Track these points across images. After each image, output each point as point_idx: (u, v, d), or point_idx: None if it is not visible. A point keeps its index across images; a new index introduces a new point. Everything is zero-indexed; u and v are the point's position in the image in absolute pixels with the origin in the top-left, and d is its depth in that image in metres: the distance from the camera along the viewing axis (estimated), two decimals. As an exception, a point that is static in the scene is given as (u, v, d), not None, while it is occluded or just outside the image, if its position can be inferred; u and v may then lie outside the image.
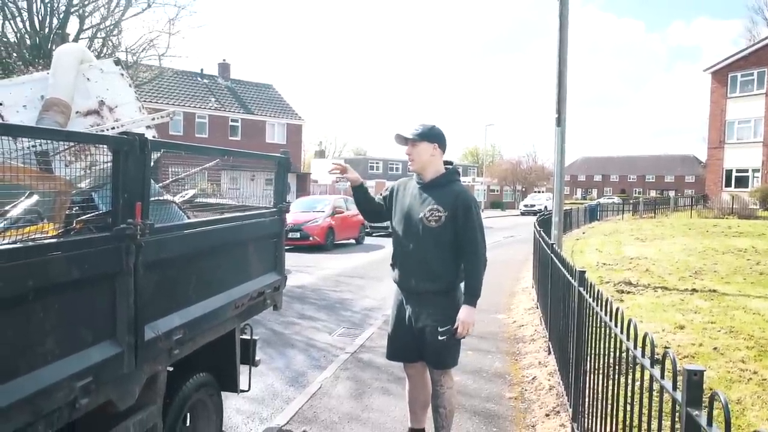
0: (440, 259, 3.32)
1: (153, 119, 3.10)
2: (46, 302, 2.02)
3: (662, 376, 1.89)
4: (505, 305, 8.66)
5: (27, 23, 14.47)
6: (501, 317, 7.80)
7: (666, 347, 5.40)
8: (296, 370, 5.61)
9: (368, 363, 5.62)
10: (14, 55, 14.57)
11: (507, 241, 20.22)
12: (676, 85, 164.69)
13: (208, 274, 3.17)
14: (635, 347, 2.24)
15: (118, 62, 3.27)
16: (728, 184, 32.87)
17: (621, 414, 2.59)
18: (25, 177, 2.23)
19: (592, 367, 3.25)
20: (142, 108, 3.31)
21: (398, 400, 4.55)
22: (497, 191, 59.02)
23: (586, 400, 3.43)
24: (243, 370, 3.95)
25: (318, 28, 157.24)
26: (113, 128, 2.79)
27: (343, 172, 3.62)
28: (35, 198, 2.26)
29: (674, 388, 1.76)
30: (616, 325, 2.60)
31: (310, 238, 15.99)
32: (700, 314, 6.83)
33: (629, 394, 2.40)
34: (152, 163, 3.34)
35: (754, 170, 32.04)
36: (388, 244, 3.73)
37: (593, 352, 3.20)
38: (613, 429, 2.72)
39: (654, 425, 2.61)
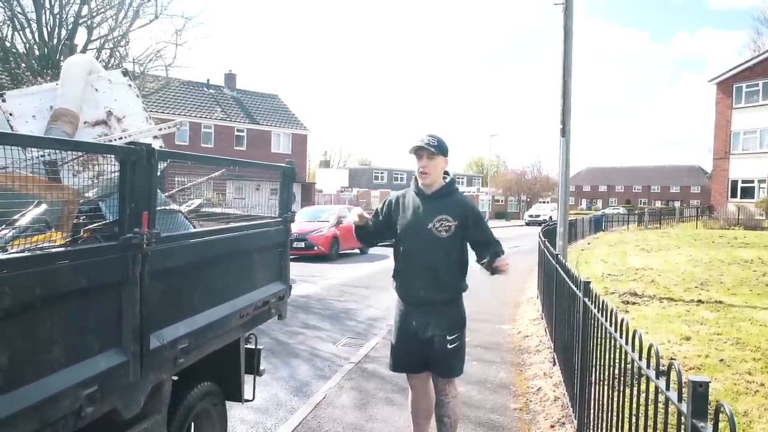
0: (449, 269, 3.36)
1: (160, 129, 3.13)
2: (53, 310, 2.04)
3: (667, 388, 1.88)
4: (509, 316, 8.63)
5: (36, 34, 14.60)
6: (506, 328, 7.78)
7: (672, 359, 5.38)
8: (300, 379, 5.60)
9: (372, 373, 5.61)
10: (23, 65, 14.70)
11: (512, 252, 20.14)
12: (680, 96, 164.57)
13: (213, 283, 3.18)
14: (640, 358, 2.23)
15: (126, 73, 3.31)
16: (734, 195, 32.76)
17: (626, 426, 2.58)
18: (34, 186, 2.25)
19: (598, 378, 3.24)
20: (150, 118, 3.34)
21: (402, 410, 4.53)
22: (502, 202, 58.97)
23: (592, 411, 3.42)
24: (247, 380, 3.96)
25: (324, 39, 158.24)
26: (121, 138, 2.82)
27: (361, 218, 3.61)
28: (43, 207, 2.29)
29: (680, 399, 1.76)
30: (621, 336, 2.59)
31: (315, 248, 16.00)
32: (706, 325, 6.79)
33: (635, 405, 2.39)
34: (159, 173, 3.38)
35: (760, 181, 31.93)
36: (392, 254, 3.72)
37: (598, 363, 3.19)
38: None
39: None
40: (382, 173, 62.95)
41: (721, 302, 8.28)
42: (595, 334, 3.28)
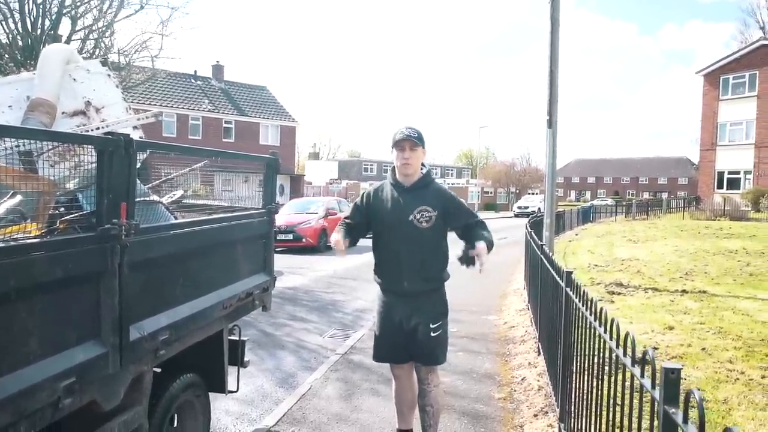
0: (432, 259, 3.38)
1: (138, 119, 3.10)
2: (29, 302, 2.02)
3: (642, 375, 1.90)
4: (496, 307, 8.68)
5: (19, 24, 14.40)
6: (492, 318, 7.82)
7: (654, 348, 5.44)
8: (286, 371, 5.61)
9: (358, 364, 5.62)
10: (6, 56, 14.50)
11: (500, 243, 20.16)
12: (669, 88, 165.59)
13: (195, 274, 3.17)
14: (617, 346, 2.25)
15: (104, 63, 3.27)
16: (720, 186, 33.07)
17: (605, 413, 2.61)
18: (8, 177, 2.23)
19: (579, 367, 3.26)
20: (129, 109, 3.30)
21: (387, 401, 4.54)
22: (491, 193, 59.12)
23: (573, 400, 3.45)
24: (232, 371, 3.96)
25: (312, 31, 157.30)
26: (98, 128, 2.79)
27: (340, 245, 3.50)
28: (18, 198, 2.26)
29: (653, 386, 1.77)
30: (600, 325, 2.61)
31: (303, 240, 15.98)
32: (689, 315, 6.87)
33: (614, 394, 2.41)
34: (139, 164, 3.35)
35: (746, 172, 32.25)
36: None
37: (580, 352, 3.22)
38: (598, 429, 2.74)
39: (641, 425, 2.63)
40: (371, 165, 62.90)
41: (704, 292, 8.38)
42: (577, 323, 3.31)
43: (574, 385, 3.42)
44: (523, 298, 8.63)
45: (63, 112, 2.99)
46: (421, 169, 3.51)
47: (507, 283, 10.94)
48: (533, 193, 55.37)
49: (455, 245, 3.43)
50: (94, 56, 15.03)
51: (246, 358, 4.23)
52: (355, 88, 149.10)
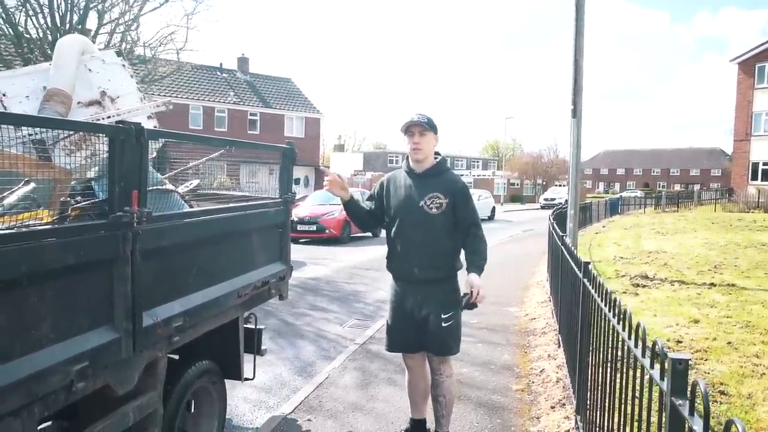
0: (442, 245, 3.35)
1: (149, 108, 3.13)
2: (41, 287, 2.06)
3: (652, 366, 1.86)
4: (518, 298, 8.60)
5: (48, 19, 14.68)
6: (513, 310, 7.76)
7: (678, 341, 5.33)
8: (305, 360, 5.65)
9: (376, 354, 5.63)
10: (36, 51, 14.80)
11: (525, 235, 20.07)
12: (702, 77, 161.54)
13: (209, 262, 3.20)
14: (629, 337, 2.21)
15: (119, 53, 3.31)
16: (754, 178, 32.18)
17: (618, 405, 2.56)
18: (23, 165, 2.27)
19: (595, 359, 3.21)
20: (144, 99, 3.34)
21: (403, 390, 4.52)
22: (517, 185, 58.53)
23: (589, 392, 3.40)
24: (249, 359, 4.00)
25: (338, 23, 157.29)
26: (109, 117, 2.82)
27: (334, 184, 3.56)
28: (32, 185, 2.31)
29: (661, 377, 1.73)
30: (614, 316, 2.56)
31: (327, 231, 16.04)
32: (716, 308, 6.71)
33: (630, 386, 2.37)
34: (154, 153, 3.39)
35: (782, 163, 31.32)
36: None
37: (596, 343, 3.17)
38: (613, 421, 2.69)
39: (653, 418, 2.58)
40: (396, 157, 62.69)
41: (733, 285, 8.18)
42: (594, 314, 3.25)
43: (590, 377, 3.38)
44: (546, 290, 8.54)
45: (78, 102, 3.04)
46: (436, 157, 3.48)
47: (530, 275, 10.83)
48: (560, 185, 54.64)
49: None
50: (122, 50, 15.27)
51: (263, 347, 4.26)
52: (380, 80, 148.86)
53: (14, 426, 1.95)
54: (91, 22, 15.06)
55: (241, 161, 4.20)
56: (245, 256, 3.64)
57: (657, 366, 1.79)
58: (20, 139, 2.15)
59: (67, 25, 14.91)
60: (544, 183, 59.00)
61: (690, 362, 2.08)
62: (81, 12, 14.64)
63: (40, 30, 14.70)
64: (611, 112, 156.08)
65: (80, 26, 14.56)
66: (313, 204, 17.11)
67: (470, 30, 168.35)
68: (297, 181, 35.38)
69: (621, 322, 2.38)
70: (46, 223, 2.21)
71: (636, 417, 2.23)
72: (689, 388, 1.51)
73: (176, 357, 3.25)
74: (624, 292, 7.74)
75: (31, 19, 14.81)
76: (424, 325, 3.34)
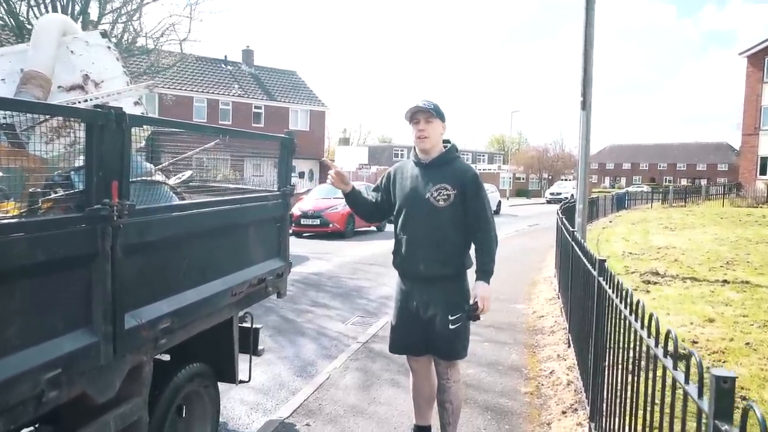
0: (450, 240, 3.12)
1: (131, 90, 2.92)
2: (7, 287, 1.86)
3: (686, 381, 1.65)
4: (525, 295, 8.39)
5: (50, 8, 14.47)
6: (520, 307, 7.54)
7: (694, 341, 5.11)
8: (305, 359, 5.45)
9: (379, 353, 5.44)
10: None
11: (531, 230, 19.83)
12: (709, 71, 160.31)
13: (201, 259, 3.00)
14: (656, 345, 1.99)
15: (104, 34, 3.10)
16: (763, 172, 31.79)
17: (641, 414, 2.35)
18: (-11, 153, 2.07)
19: (612, 362, 3.01)
20: (131, 83, 3.14)
21: (406, 393, 4.33)
22: (523, 179, 58.16)
23: (606, 397, 3.19)
24: (247, 359, 3.82)
25: (343, 15, 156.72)
26: (86, 101, 2.62)
27: (339, 177, 3.39)
28: (-1, 175, 2.11)
29: (700, 395, 1.52)
30: (636, 320, 2.35)
31: (330, 225, 15.84)
32: (731, 307, 6.48)
33: (650, 392, 2.16)
34: (143, 142, 3.19)
35: (792, 158, 30.92)
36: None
37: (613, 346, 2.96)
38: (633, 430, 2.49)
39: (677, 428, 2.37)
40: (402, 151, 62.39)
41: (747, 282, 7.94)
42: (610, 315, 3.04)
43: (606, 382, 3.17)
44: (554, 286, 8.32)
45: (59, 86, 2.84)
46: (445, 144, 3.27)
47: (537, 270, 10.61)
48: (566, 180, 54.23)
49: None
50: (123, 40, 15.07)
51: (261, 347, 4.07)
52: (385, 74, 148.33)
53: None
54: (93, 11, 14.86)
55: (238, 152, 4.00)
56: (240, 252, 3.44)
57: (693, 380, 1.58)
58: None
59: (69, 15, 14.72)
60: (550, 177, 58.57)
61: (708, 365, 1.88)
62: (82, 2, 14.43)
63: (40, 20, 14.51)
64: (617, 106, 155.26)
65: (81, 16, 14.36)
66: (317, 198, 16.91)
67: (476, 22, 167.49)
68: (301, 175, 35.21)
69: (646, 328, 2.17)
70: (13, 217, 2.01)
71: (661, 427, 2.02)
72: (738, 412, 1.30)
73: (165, 359, 3.06)
74: (635, 289, 7.51)
75: (33, 10, 14.62)
76: (430, 326, 3.14)
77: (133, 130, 2.90)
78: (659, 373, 1.98)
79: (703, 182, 57.32)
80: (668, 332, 1.85)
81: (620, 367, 2.82)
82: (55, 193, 2.46)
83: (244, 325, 3.82)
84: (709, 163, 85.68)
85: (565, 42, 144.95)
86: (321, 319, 6.99)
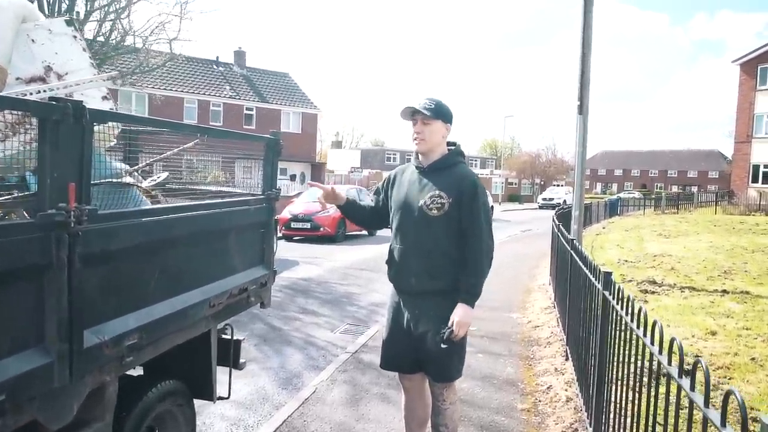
0: (441, 252, 2.87)
1: (91, 81, 2.67)
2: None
3: (723, 424, 1.42)
4: (519, 303, 8.18)
5: (35, 4, 14.16)
6: (515, 316, 7.32)
7: (697, 355, 4.90)
8: (291, 370, 5.20)
9: (368, 365, 5.19)
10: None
11: (524, 235, 19.65)
12: (700, 79, 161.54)
13: (174, 268, 2.75)
14: (680, 376, 1.77)
15: (70, 22, 2.84)
16: (755, 180, 31.81)
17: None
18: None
19: (617, 382, 2.79)
20: (114, 80, 2.88)
21: (397, 409, 4.10)
22: (515, 184, 58.12)
23: (610, 418, 2.98)
24: (227, 373, 3.57)
25: (336, 17, 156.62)
26: (39, 92, 2.37)
27: (328, 197, 3.21)
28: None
29: (723, 423, 1.30)
30: (652, 343, 2.13)
31: (321, 229, 15.59)
32: (733, 318, 6.29)
33: (664, 414, 1.94)
34: (113, 141, 2.94)
35: (784, 166, 30.96)
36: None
37: (621, 368, 2.74)
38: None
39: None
40: (394, 154, 62.25)
41: (747, 293, 7.76)
42: (618, 334, 2.82)
43: (611, 403, 2.95)
44: (549, 295, 8.11)
45: (17, 78, 2.59)
46: (450, 147, 3.03)
47: (531, 278, 10.40)
48: (558, 185, 54.25)
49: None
50: (112, 39, 14.77)
51: (242, 360, 3.82)
52: (378, 77, 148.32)
53: None
54: (81, 9, 14.53)
55: (220, 153, 3.77)
56: (219, 260, 3.19)
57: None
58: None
59: (56, 13, 14.40)
60: (543, 183, 58.61)
61: (714, 382, 1.69)
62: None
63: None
64: (609, 113, 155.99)
65: (68, 14, 14.04)
66: (308, 201, 16.61)
67: (469, 28, 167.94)
68: (293, 177, 34.91)
69: (666, 355, 1.94)
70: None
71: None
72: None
73: (130, 379, 2.80)
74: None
75: None
76: (421, 344, 2.90)
77: (101, 127, 2.66)
78: (682, 399, 1.77)
79: (695, 189, 57.50)
80: (696, 364, 1.62)
81: (627, 387, 2.61)
82: (11, 196, 2.22)
83: (225, 336, 3.57)
84: (701, 171, 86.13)
85: (559, 48, 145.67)
86: (309, 327, 6.74)
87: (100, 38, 14.47)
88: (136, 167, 3.49)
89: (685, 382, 1.76)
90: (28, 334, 1.94)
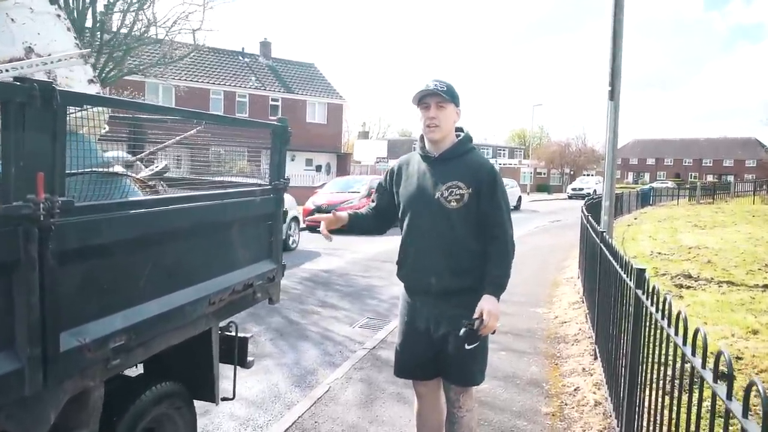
0: (465, 247, 2.64)
1: (60, 60, 2.49)
2: None
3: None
4: (546, 297, 7.87)
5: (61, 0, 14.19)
6: (541, 311, 7.03)
7: (738, 357, 4.57)
8: (306, 367, 5.03)
9: (386, 362, 4.98)
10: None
11: (552, 226, 19.19)
12: (736, 65, 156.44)
13: (168, 264, 2.57)
14: (729, 398, 1.50)
15: (53, 0, 2.68)
16: (796, 169, 30.61)
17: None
18: None
19: (650, 387, 2.52)
20: (86, 58, 2.71)
21: (412, 411, 3.89)
22: (544, 174, 57.20)
23: (643, 427, 2.71)
24: (239, 373, 3.41)
25: (361, 7, 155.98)
26: (6, 71, 2.19)
27: (330, 224, 2.93)
28: None
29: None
30: (693, 354, 1.86)
31: (345, 220, 15.42)
32: (775, 316, 5.90)
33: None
34: (105, 127, 2.77)
35: (826, 154, 29.69)
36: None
37: (653, 372, 2.48)
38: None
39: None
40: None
41: (790, 288, 7.32)
42: (651, 334, 2.55)
43: (644, 409, 2.68)
44: (577, 289, 7.79)
45: (-5, 60, 2.44)
46: (457, 134, 2.78)
47: (559, 270, 10.05)
48: (589, 175, 53.18)
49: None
50: (134, 30, 14.77)
51: (250, 358, 3.64)
52: (405, 67, 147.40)
53: None
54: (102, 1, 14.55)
55: (224, 141, 3.58)
56: (220, 254, 3.00)
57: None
58: None
59: (80, 6, 14.43)
60: (572, 172, 57.51)
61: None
62: (93, -10, 14.14)
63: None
64: (641, 101, 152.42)
65: (91, 6, 14.07)
66: (332, 192, 16.52)
67: (498, 15, 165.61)
68: (318, 168, 34.87)
69: (710, 370, 1.68)
70: None
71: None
72: None
73: (120, 381, 2.63)
74: (666, 294, 6.95)
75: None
76: (442, 347, 2.67)
77: (89, 113, 2.49)
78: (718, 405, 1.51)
79: (731, 178, 55.77)
80: (752, 385, 1.36)
81: (662, 391, 2.34)
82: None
83: (230, 333, 3.40)
84: (737, 159, 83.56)
85: (590, 35, 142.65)
86: (327, 321, 6.56)
87: (124, 29, 14.47)
88: (137, 157, 3.33)
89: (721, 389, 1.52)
90: (-7, 338, 1.77)
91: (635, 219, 19.78)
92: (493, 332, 2.65)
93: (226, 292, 3.00)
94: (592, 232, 5.91)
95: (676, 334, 2.07)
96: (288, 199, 13.32)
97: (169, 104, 25.99)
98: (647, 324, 2.65)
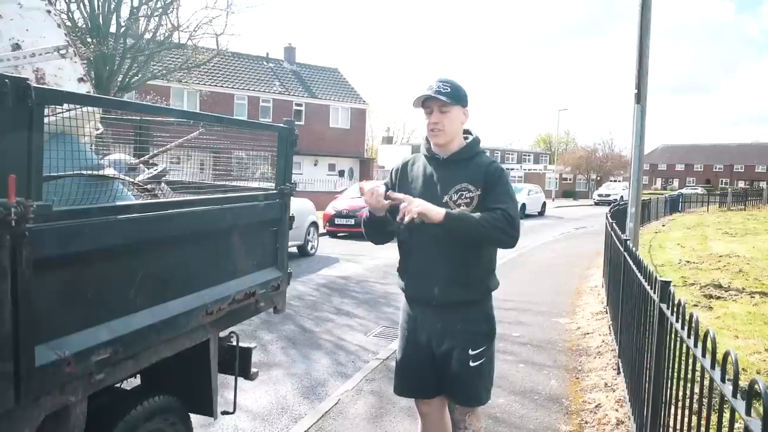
0: (473, 257, 2.48)
1: (33, 56, 2.38)
2: None
3: None
4: (569, 307, 7.61)
5: (87, 5, 14.37)
6: (563, 321, 6.78)
7: (772, 375, 4.29)
8: (316, 378, 4.88)
9: (399, 374, 4.81)
10: (83, 39, 14.46)
11: (577, 233, 18.80)
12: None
13: (161, 273, 2.45)
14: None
15: (44, -5, 2.59)
16: (833, 175, 29.60)
17: None
18: None
19: (676, 405, 2.31)
20: (76, 55, 2.61)
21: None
22: (570, 180, 56.44)
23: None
24: (241, 384, 3.28)
25: (387, 12, 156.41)
26: None
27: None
28: None
29: None
30: (723, 380, 1.66)
31: (365, 226, 15.28)
32: (812, 330, 5.58)
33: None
34: (100, 128, 2.67)
35: None
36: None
37: (679, 390, 2.27)
38: None
39: None
40: (444, 150, 61.46)
41: (828, 300, 6.95)
42: (676, 350, 2.35)
43: (669, 429, 2.47)
44: (601, 298, 7.52)
45: (-22, 59, 2.35)
46: (465, 137, 2.62)
47: (583, 279, 9.76)
48: (615, 181, 52.27)
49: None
50: (158, 35, 14.88)
51: (254, 369, 3.51)
52: (430, 72, 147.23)
53: None
54: (127, 7, 14.70)
55: (228, 144, 3.47)
56: (219, 262, 2.88)
57: None
58: None
59: (105, 13, 14.59)
60: (599, 178, 56.59)
61: None
62: (117, -3, 14.28)
63: (87, 18, 14.33)
64: (670, 106, 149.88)
65: (115, 11, 14.21)
66: (352, 197, 16.38)
67: (526, 20, 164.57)
68: (341, 173, 34.85)
69: (743, 404, 1.48)
70: None
71: None
72: None
73: (108, 396, 2.51)
74: (695, 305, 6.66)
75: (80, 9, 14.45)
76: (445, 363, 2.50)
77: (80, 113, 2.38)
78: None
79: (764, 185, 54.28)
80: (754, 382, 1.17)
81: (689, 411, 2.13)
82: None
83: (231, 343, 3.27)
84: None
85: (620, 40, 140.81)
86: (341, 330, 6.42)
87: (147, 34, 14.59)
88: (140, 160, 3.23)
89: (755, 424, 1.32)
90: (-40, 352, 1.66)
91: (663, 226, 19.27)
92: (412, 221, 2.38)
93: (225, 301, 2.87)
94: (615, 239, 5.67)
95: (704, 355, 1.86)
96: (307, 205, 13.27)
97: (194, 109, 26.26)
98: (672, 341, 2.44)
